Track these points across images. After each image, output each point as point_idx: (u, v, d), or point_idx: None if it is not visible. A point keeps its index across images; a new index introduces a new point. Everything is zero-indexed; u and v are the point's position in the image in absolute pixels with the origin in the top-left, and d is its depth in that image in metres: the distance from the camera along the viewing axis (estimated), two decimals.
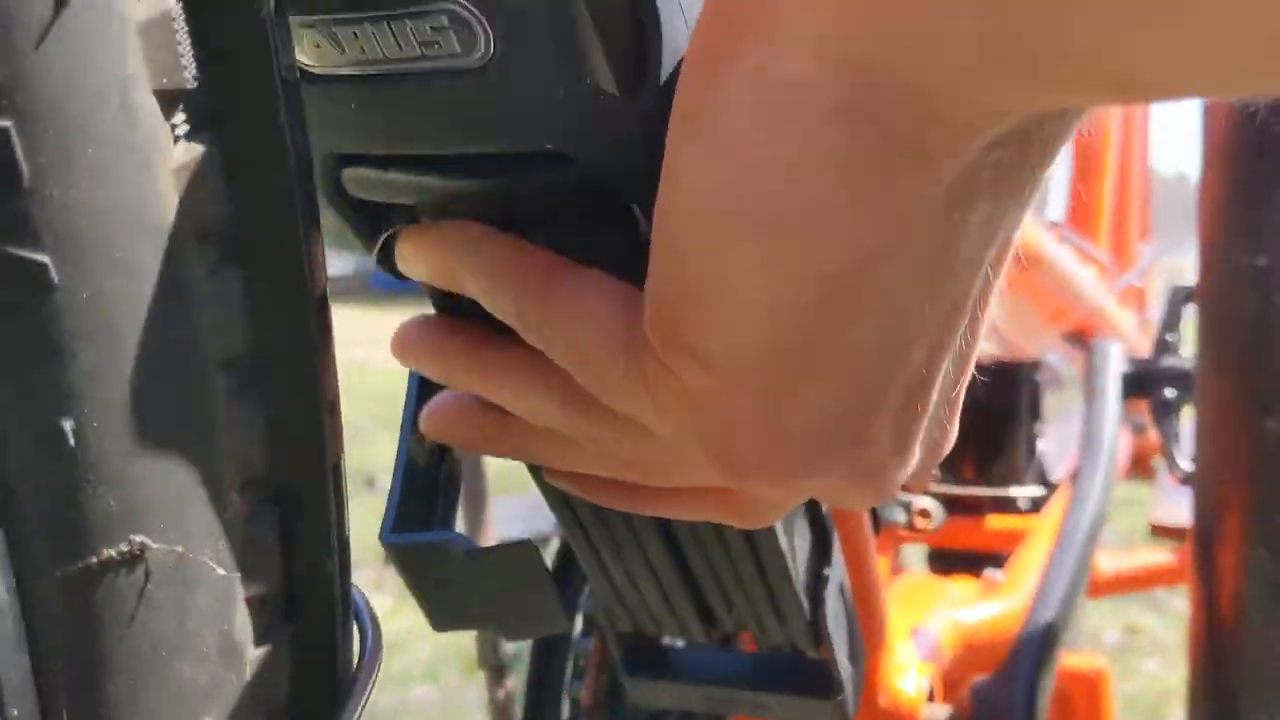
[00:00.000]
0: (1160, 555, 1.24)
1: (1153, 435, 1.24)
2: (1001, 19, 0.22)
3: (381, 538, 0.41)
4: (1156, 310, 1.37)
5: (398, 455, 0.43)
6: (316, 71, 0.31)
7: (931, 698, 0.65)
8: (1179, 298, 1.03)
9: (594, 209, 0.32)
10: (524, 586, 0.40)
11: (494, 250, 0.33)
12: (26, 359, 0.25)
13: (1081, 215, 1.42)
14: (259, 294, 0.28)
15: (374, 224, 0.36)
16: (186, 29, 0.26)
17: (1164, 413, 0.97)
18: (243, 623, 0.29)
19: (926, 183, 0.26)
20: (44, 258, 0.24)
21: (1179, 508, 1.12)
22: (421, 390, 0.44)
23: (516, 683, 1.02)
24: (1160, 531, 1.18)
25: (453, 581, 0.41)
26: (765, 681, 0.53)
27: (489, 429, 0.38)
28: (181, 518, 0.27)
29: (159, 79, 0.26)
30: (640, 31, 0.29)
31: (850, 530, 0.67)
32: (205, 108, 0.27)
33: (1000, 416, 1.13)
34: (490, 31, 0.28)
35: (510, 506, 1.37)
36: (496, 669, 1.02)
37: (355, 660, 0.32)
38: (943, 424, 0.34)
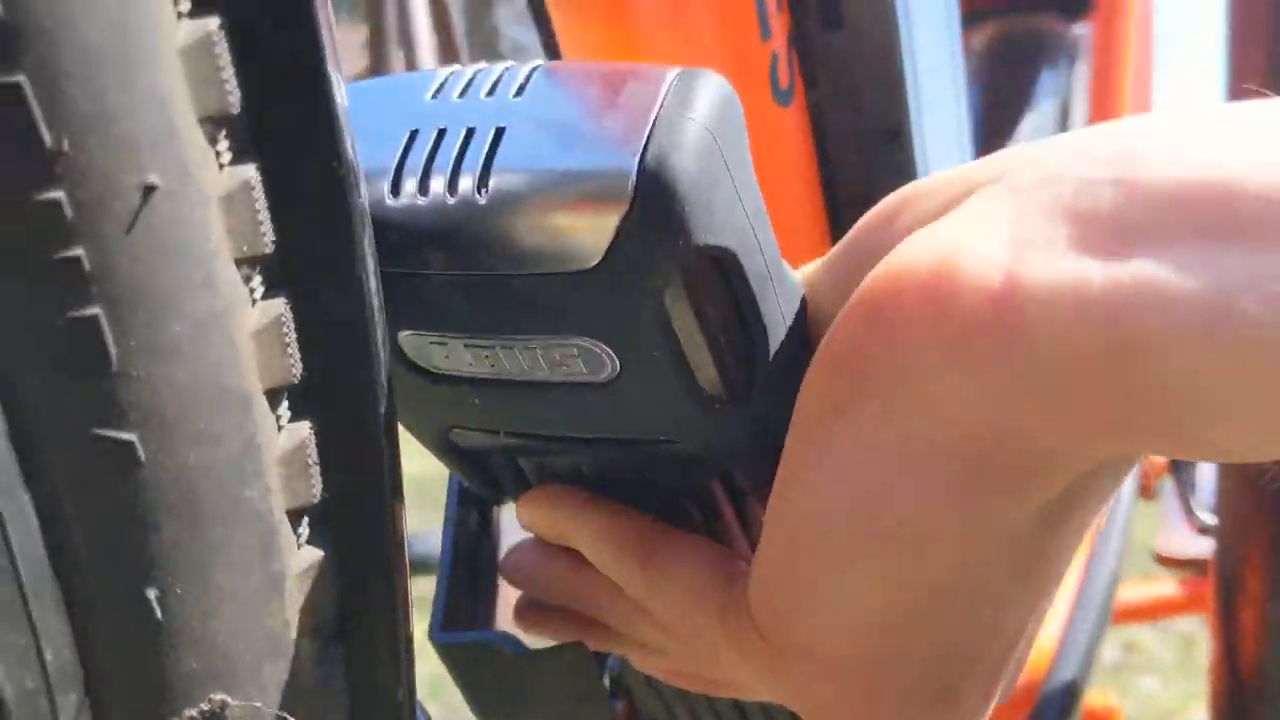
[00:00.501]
0: (1166, 586, 1.25)
1: (1154, 458, 1.24)
2: (1134, 406, 0.25)
3: (431, 636, 0.41)
4: None
5: (443, 540, 0.44)
6: (440, 373, 0.32)
7: None
8: None
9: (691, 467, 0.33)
10: (573, 687, 0.41)
11: (597, 520, 0.34)
12: (113, 534, 0.25)
13: None
14: (331, 442, 0.28)
15: (478, 467, 0.37)
16: (264, 195, 0.26)
17: (1181, 461, 0.97)
18: None
19: (1028, 508, 0.28)
20: (131, 436, 0.24)
21: (1186, 539, 1.13)
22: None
23: None
24: (1167, 562, 1.19)
25: (501, 680, 0.41)
26: None
27: (588, 628, 0.39)
28: (257, 672, 0.28)
29: (239, 248, 0.26)
30: (749, 346, 0.30)
31: None
32: (281, 267, 0.27)
33: None
34: (616, 358, 0.29)
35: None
36: None
37: None
38: (1020, 666, 0.35)
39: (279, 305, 0.27)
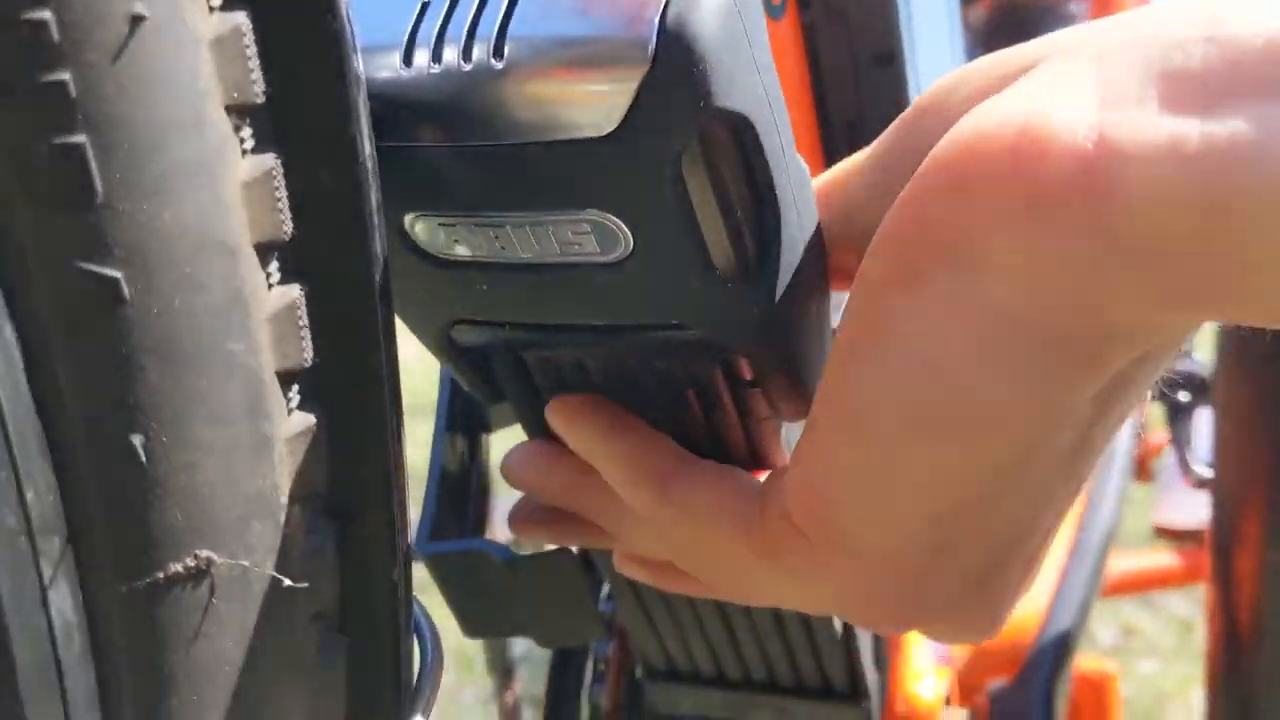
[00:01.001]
0: (1163, 557, 1.24)
1: (1151, 438, 1.24)
2: (1222, 270, 0.24)
3: (416, 546, 0.41)
4: None
5: (431, 459, 0.43)
6: (447, 258, 0.31)
7: (948, 702, 0.65)
8: None
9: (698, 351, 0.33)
10: (561, 596, 0.41)
11: (619, 445, 0.34)
12: (98, 375, 0.25)
13: None
14: (322, 305, 0.28)
15: (478, 367, 0.36)
16: (256, 43, 0.26)
17: (1177, 416, 0.97)
18: (305, 636, 0.29)
19: (1090, 387, 0.27)
20: (116, 273, 0.24)
21: (1183, 509, 1.13)
22: (454, 393, 0.44)
23: (524, 687, 1.01)
24: (1164, 533, 1.19)
25: (488, 589, 0.41)
26: (790, 687, 0.53)
27: (583, 529, 0.38)
28: (244, 531, 0.27)
29: (230, 94, 0.26)
30: (763, 227, 0.30)
31: None
32: (272, 121, 0.27)
33: None
34: (629, 234, 0.29)
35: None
36: (505, 673, 1.02)
37: (416, 672, 0.32)
38: (1038, 570, 0.35)
39: (269, 160, 0.27)
